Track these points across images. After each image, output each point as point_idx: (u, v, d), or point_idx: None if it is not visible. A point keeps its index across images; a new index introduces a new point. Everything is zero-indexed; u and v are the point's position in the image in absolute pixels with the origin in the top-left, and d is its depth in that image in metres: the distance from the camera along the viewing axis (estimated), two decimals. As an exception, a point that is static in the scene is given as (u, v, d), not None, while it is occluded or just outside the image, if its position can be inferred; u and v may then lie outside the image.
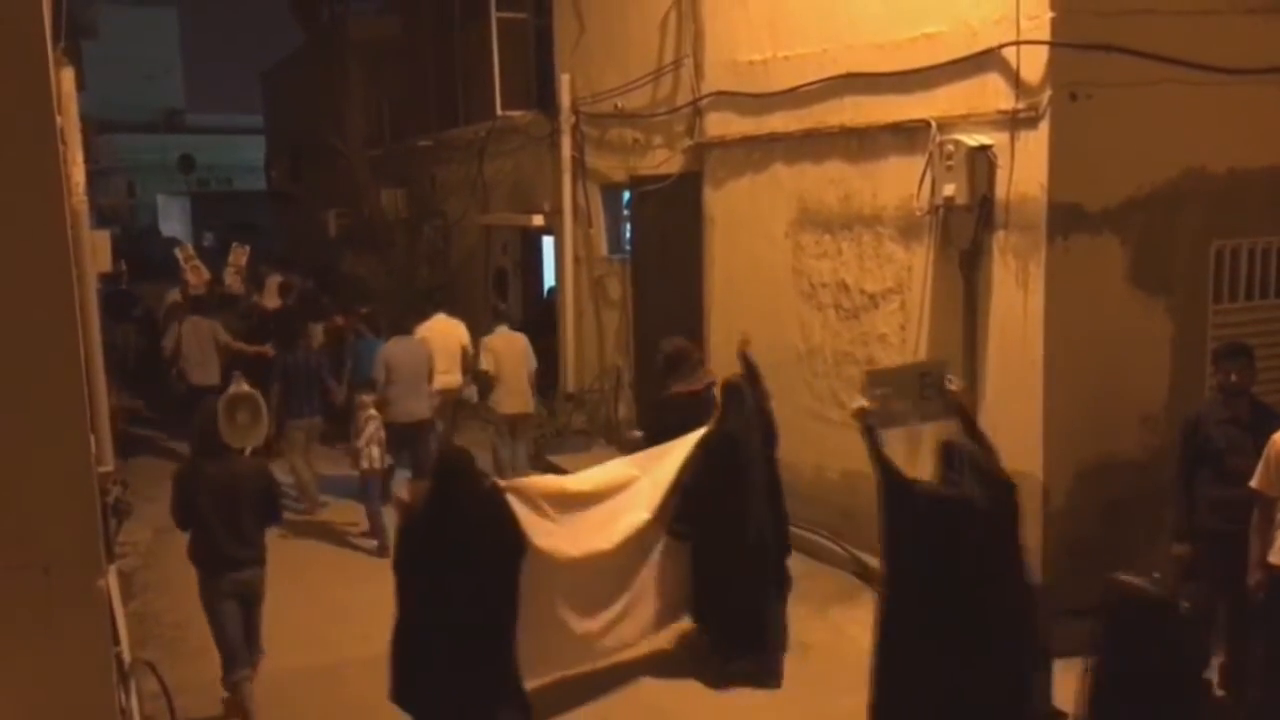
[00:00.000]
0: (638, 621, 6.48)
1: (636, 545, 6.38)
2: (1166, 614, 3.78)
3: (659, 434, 6.99)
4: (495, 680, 5.49)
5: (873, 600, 5.71)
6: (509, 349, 9.91)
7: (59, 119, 3.59)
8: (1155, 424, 6.65)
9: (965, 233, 6.81)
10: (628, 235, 11.42)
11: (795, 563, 8.00)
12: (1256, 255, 6.87)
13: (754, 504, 6.50)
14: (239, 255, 15.64)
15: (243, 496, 5.95)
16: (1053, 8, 6.19)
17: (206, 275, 14.48)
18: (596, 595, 6.24)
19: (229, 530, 5.90)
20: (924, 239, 7.22)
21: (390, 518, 7.50)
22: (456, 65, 15.09)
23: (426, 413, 9.56)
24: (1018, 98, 6.42)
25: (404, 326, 10.05)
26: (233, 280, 15.20)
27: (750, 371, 6.76)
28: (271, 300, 13.78)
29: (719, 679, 6.39)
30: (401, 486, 8.13)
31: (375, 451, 9.01)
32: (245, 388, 6.26)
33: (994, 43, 6.52)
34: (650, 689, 6.42)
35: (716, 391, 6.93)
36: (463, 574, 5.33)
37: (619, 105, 10.80)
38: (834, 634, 6.99)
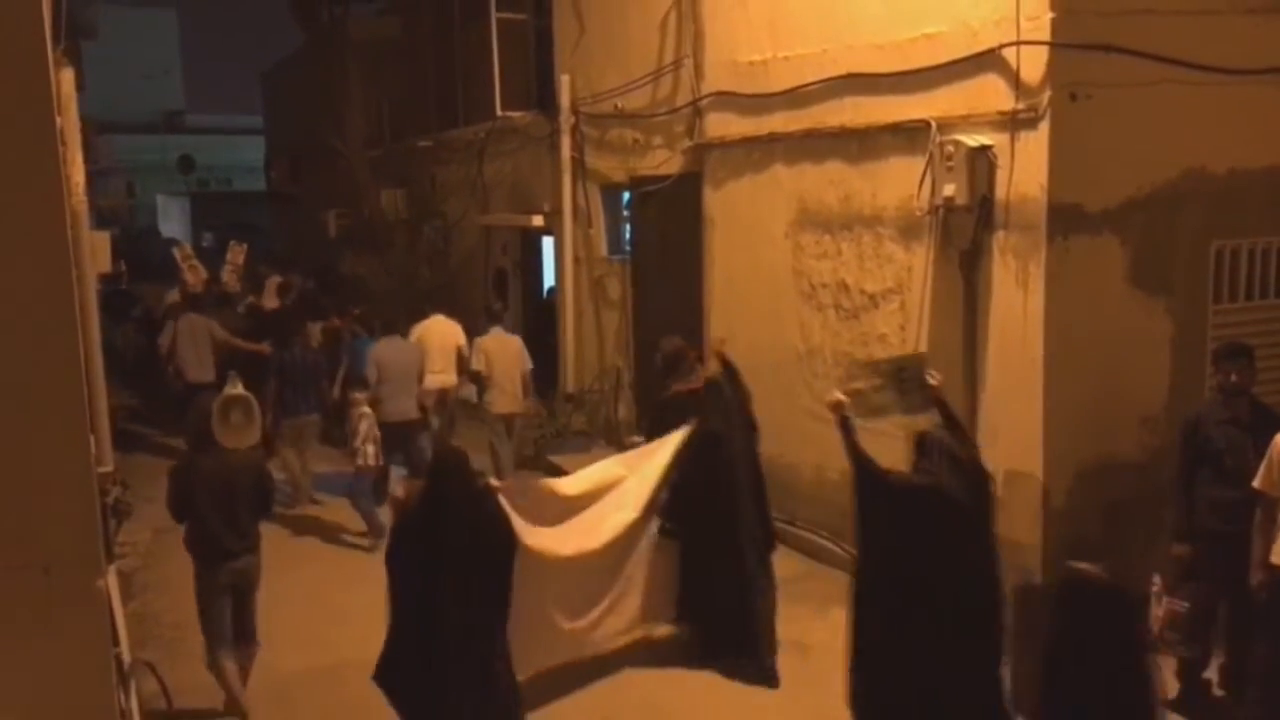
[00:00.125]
0: (624, 616, 6.57)
1: (624, 543, 6.50)
2: (1117, 598, 3.94)
3: (660, 433, 7.01)
4: (485, 676, 5.51)
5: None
6: (502, 350, 9.92)
7: (59, 119, 3.58)
8: (1155, 424, 6.65)
9: (965, 233, 6.81)
10: (627, 236, 11.42)
11: (795, 563, 8.00)
12: (1256, 255, 6.88)
13: (740, 502, 6.57)
14: (236, 253, 15.62)
15: (238, 490, 6.12)
16: (1053, 8, 6.19)
17: (204, 275, 14.45)
18: (585, 593, 6.36)
19: (225, 522, 6.07)
20: (924, 239, 7.22)
21: (386, 516, 7.52)
22: (456, 66, 15.10)
23: (417, 412, 9.62)
24: (1018, 98, 6.42)
25: (395, 327, 10.09)
26: (230, 278, 15.18)
27: (729, 371, 6.81)
28: (271, 301, 13.79)
29: (703, 668, 6.44)
30: (397, 484, 8.18)
31: (370, 449, 9.07)
32: (240, 389, 6.33)
33: (994, 43, 6.52)
34: (650, 687, 6.43)
35: None
36: (454, 572, 5.36)
37: (619, 106, 10.80)
38: (834, 634, 6.93)
